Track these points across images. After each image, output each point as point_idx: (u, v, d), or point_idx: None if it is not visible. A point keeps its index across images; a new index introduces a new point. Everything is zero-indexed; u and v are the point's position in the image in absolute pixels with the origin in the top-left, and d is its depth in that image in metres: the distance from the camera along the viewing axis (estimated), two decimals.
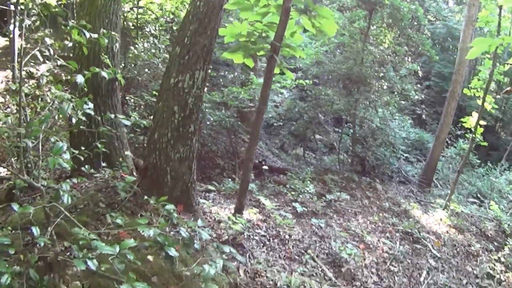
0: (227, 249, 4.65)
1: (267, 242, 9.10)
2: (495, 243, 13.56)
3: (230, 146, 17.32)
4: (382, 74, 18.77)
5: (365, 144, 18.67)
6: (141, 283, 3.82)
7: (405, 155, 22.81)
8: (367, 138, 18.85)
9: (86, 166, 6.54)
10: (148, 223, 4.86)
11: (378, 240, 11.43)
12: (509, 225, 14.63)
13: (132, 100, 14.76)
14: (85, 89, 7.89)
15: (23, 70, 13.17)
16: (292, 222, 10.63)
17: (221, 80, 18.46)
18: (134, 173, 8.63)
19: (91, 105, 5.69)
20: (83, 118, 5.84)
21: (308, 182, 13.89)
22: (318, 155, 22.06)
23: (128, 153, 9.14)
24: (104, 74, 8.35)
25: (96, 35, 5.91)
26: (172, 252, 4.16)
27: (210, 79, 18.27)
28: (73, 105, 5.44)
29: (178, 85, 7.77)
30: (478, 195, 20.71)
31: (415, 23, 20.15)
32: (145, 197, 6.75)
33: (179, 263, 5.54)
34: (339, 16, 18.90)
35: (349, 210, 13.37)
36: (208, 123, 15.03)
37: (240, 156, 16.59)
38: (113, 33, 8.35)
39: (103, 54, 8.71)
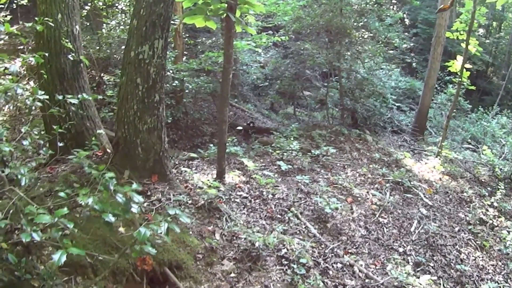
0: (172, 211, 4.53)
1: (248, 204, 8.95)
2: (489, 188, 13.39)
3: (217, 112, 17.17)
4: (361, 23, 18.46)
5: (353, 96, 18.43)
6: (76, 248, 3.79)
7: (397, 104, 22.68)
8: (354, 90, 18.60)
9: (44, 149, 6.46)
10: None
11: (367, 192, 11.26)
12: (501, 169, 14.41)
13: (110, 79, 14.66)
14: (44, 76, 8.07)
15: None
16: (275, 181, 10.46)
17: (199, 46, 18.25)
18: (108, 150, 8.56)
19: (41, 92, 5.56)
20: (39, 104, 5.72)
21: (292, 139, 13.63)
22: (309, 112, 21.86)
23: (100, 131, 8.97)
24: (69, 57, 8.41)
25: None
26: (110, 218, 4.05)
27: (188, 47, 18.08)
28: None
29: (138, 57, 7.61)
30: (472, 140, 20.67)
31: None
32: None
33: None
34: None
35: (337, 164, 13.13)
36: (187, 91, 14.87)
37: (228, 120, 16.37)
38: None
39: (63, 38, 8.56)
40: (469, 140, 20.73)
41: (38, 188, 6.96)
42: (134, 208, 4.32)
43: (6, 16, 17.03)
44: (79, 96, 6.40)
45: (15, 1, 16.63)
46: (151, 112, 7.83)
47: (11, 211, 4.39)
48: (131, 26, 7.92)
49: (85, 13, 16.37)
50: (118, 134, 7.98)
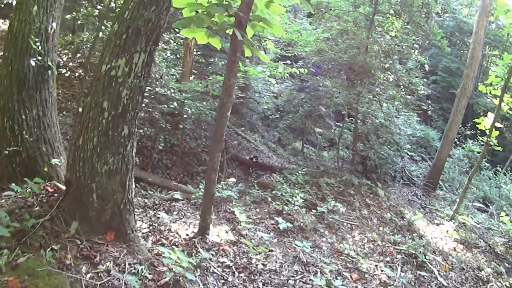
0: None
1: (230, 278, 6.57)
2: (506, 264, 11.58)
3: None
4: (387, 65, 16.40)
5: (367, 143, 16.44)
6: None
7: (410, 153, 20.94)
8: (369, 135, 16.71)
9: None
10: None
11: (376, 266, 9.04)
12: None
13: None
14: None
15: None
16: (270, 243, 8.42)
17: (210, 67, 16.10)
18: (62, 186, 6.29)
19: None
20: None
21: (296, 191, 11.51)
22: (317, 151, 20.33)
23: (56, 160, 6.88)
24: (31, 62, 6.81)
25: None
26: None
27: (200, 66, 16.06)
28: None
29: (109, 73, 5.42)
30: (484, 200, 19.42)
31: (424, 10, 17.69)
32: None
33: None
34: None
35: (344, 224, 11.11)
36: (185, 116, 12.62)
37: (229, 152, 14.35)
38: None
39: (32, 36, 6.66)
40: (481, 200, 19.42)
41: None
42: None
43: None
44: None
45: None
46: (115, 149, 5.58)
47: None
48: (110, 31, 5.76)
49: (97, 13, 14.43)
50: (70, 172, 5.70)
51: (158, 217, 7.91)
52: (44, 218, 5.39)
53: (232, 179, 11.28)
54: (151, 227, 7.48)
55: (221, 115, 6.83)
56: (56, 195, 6.10)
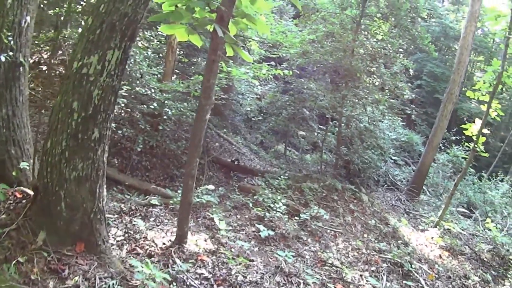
0: None
1: None
2: (492, 271, 11.26)
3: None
4: (373, 69, 16.11)
5: (351, 147, 16.13)
6: None
7: (394, 158, 20.73)
8: (353, 139, 16.39)
9: None
10: None
11: (361, 276, 8.66)
12: (508, 250, 12.21)
13: None
14: None
15: None
16: (250, 252, 8.01)
17: (193, 67, 15.66)
18: (29, 192, 5.83)
19: None
20: None
21: (278, 197, 11.19)
22: (300, 154, 20.10)
23: (26, 164, 6.35)
24: (2, 58, 6.23)
25: None
26: None
27: (183, 66, 15.61)
28: None
29: (81, 71, 4.94)
30: (468, 205, 19.25)
31: (412, 14, 17.31)
32: None
33: None
34: (328, 1, 16.40)
35: (328, 231, 10.71)
36: (165, 117, 12.18)
37: (210, 154, 13.96)
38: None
39: (4, 31, 6.14)
40: (465, 205, 19.23)
41: None
42: None
43: None
44: None
45: None
46: (85, 154, 5.10)
47: None
48: (84, 26, 5.30)
49: (80, 9, 14.00)
50: (37, 177, 5.26)
51: (134, 224, 7.51)
52: (10, 227, 4.95)
53: (211, 186, 10.85)
54: (126, 235, 7.07)
55: (199, 118, 6.40)
56: (24, 201, 5.65)
